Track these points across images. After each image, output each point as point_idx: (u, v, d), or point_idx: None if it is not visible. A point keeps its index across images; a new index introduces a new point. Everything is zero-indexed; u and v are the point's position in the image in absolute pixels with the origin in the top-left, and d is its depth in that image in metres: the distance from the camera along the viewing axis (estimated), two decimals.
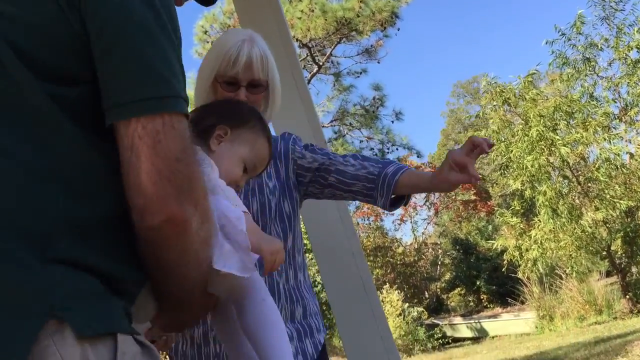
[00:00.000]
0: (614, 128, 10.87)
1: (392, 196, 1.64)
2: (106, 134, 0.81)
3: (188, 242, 0.85)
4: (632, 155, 10.84)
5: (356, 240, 2.48)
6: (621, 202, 9.93)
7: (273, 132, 1.79)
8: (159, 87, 0.81)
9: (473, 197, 18.17)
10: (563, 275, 11.61)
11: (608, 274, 12.36)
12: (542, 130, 10.18)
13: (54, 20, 0.80)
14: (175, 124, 0.81)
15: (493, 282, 15.30)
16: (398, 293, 13.95)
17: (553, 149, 10.29)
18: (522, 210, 12.07)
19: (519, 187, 10.86)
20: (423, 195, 19.02)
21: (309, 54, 15.90)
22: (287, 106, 2.44)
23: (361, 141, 16.92)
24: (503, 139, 11.09)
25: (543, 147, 10.34)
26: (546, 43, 11.93)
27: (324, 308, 13.02)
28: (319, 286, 13.47)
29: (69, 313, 0.72)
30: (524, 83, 11.00)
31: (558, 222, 10.33)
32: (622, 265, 11.28)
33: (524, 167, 10.46)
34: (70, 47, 0.81)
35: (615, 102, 11.53)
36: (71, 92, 0.80)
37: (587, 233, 10.29)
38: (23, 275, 0.72)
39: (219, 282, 1.07)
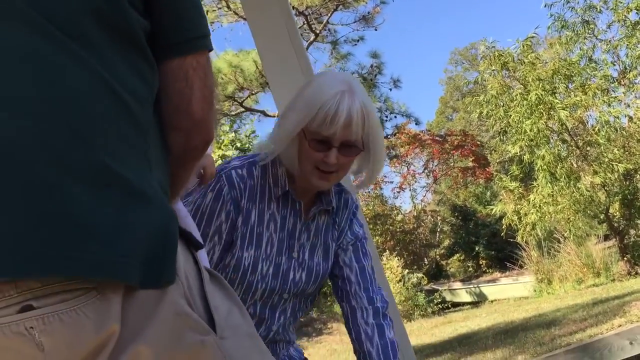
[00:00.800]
0: (613, 91, 10.83)
1: None
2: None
3: (198, 165, 1.02)
4: (631, 119, 10.82)
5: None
6: (619, 165, 9.95)
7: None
8: (204, 26, 0.93)
9: (471, 164, 18.17)
10: (561, 239, 11.69)
11: (606, 238, 12.45)
12: (541, 94, 10.15)
13: None
14: (210, 60, 0.94)
15: (492, 247, 15.43)
16: (398, 260, 14.07)
17: (552, 112, 10.27)
18: (520, 175, 12.10)
19: (518, 152, 10.87)
20: (422, 162, 19.03)
21: (305, 22, 15.74)
22: (287, 77, 2.44)
23: None
24: (502, 104, 11.06)
25: (542, 111, 10.32)
26: (545, 6, 11.83)
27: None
28: None
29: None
30: (523, 47, 10.92)
31: (556, 186, 10.37)
32: (620, 228, 11.36)
33: (523, 131, 10.45)
34: None
35: (614, 64, 11.47)
36: (146, 23, 0.87)
37: (585, 196, 10.33)
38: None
39: None
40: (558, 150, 10.67)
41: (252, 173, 1.53)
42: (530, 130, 10.30)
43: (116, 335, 0.70)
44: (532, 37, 11.27)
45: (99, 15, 0.80)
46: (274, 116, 14.60)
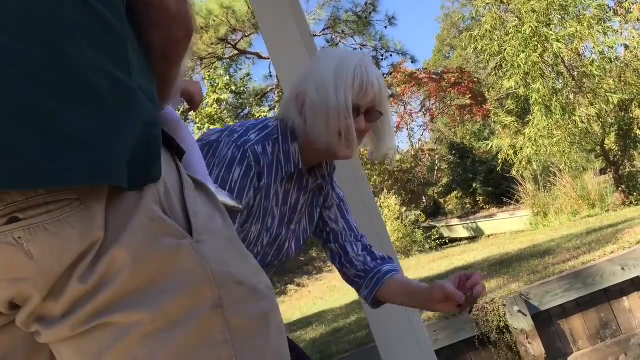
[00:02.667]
0: (608, 21, 10.65)
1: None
2: None
3: (185, 56, 1.00)
4: (627, 47, 10.70)
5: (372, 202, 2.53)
6: (614, 96, 9.91)
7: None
8: None
9: (469, 102, 18.09)
10: (557, 173, 11.76)
11: (602, 172, 12.53)
12: (535, 27, 10.01)
13: None
14: None
15: (489, 184, 15.54)
16: (396, 198, 14.21)
17: (546, 45, 10.15)
18: (516, 110, 12.07)
19: (513, 87, 10.81)
20: (418, 102, 18.92)
21: None
22: (277, 18, 2.40)
23: (354, 49, 16.67)
24: (497, 39, 10.91)
25: (536, 43, 10.20)
26: None
27: None
28: None
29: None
30: None
31: (552, 119, 10.36)
32: (616, 160, 11.41)
33: (517, 65, 10.37)
34: None
35: None
36: None
37: (580, 129, 10.34)
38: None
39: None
40: (553, 83, 10.61)
41: (267, 149, 1.54)
42: (525, 64, 10.21)
43: (100, 241, 0.73)
44: None
45: None
46: (269, 59, 14.39)
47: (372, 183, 16.08)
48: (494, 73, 12.58)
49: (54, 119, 0.70)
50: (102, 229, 0.73)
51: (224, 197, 1.35)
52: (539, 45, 10.22)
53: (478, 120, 18.47)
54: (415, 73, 17.97)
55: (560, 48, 9.93)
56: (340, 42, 16.82)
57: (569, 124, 10.33)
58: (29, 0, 0.74)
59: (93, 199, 0.73)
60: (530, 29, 10.01)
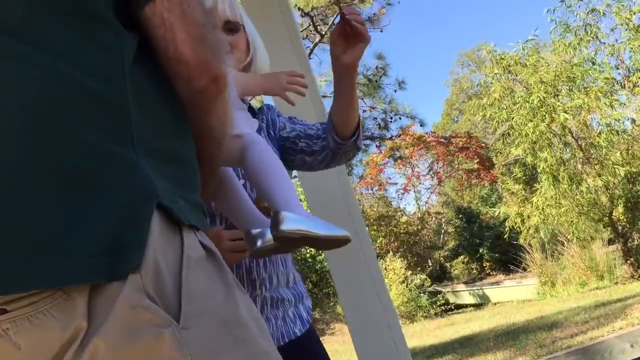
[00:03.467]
0: (615, 94, 10.81)
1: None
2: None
3: (225, 100, 0.93)
4: (633, 121, 10.80)
5: (355, 206, 2.50)
6: (621, 168, 9.94)
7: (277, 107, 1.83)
8: None
9: (476, 166, 18.17)
10: (565, 242, 11.68)
11: (610, 242, 12.43)
12: (543, 97, 10.16)
13: None
14: None
15: (496, 249, 15.41)
16: (401, 261, 14.09)
17: (554, 115, 10.28)
18: (524, 178, 12.11)
19: (521, 154, 10.88)
20: (426, 164, 19.02)
21: (311, 23, 15.76)
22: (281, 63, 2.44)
23: (364, 111, 16.90)
24: (505, 107, 11.07)
25: (544, 113, 10.33)
26: (547, 11, 11.82)
27: (328, 277, 13.17)
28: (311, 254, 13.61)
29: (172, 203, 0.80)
30: (523, 50, 10.95)
31: (559, 189, 10.36)
32: (624, 231, 11.33)
33: (525, 134, 10.47)
34: None
35: (618, 68, 11.45)
36: None
37: (587, 199, 10.33)
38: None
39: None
40: (560, 153, 10.67)
41: None
42: (533, 133, 10.31)
43: (84, 330, 0.73)
44: (532, 39, 11.32)
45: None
46: None
47: (377, 245, 15.98)
48: (501, 140, 12.69)
49: (18, 218, 0.70)
50: (85, 318, 0.72)
51: (332, 230, 1.25)
52: (546, 116, 10.34)
53: (485, 185, 18.49)
54: (424, 136, 18.14)
55: (567, 119, 10.04)
56: None
57: (577, 194, 10.32)
58: (7, 92, 0.73)
59: (75, 289, 0.72)
60: (538, 99, 10.16)
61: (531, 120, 10.38)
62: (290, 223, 1.19)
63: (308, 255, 14.19)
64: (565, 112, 10.07)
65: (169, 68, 0.86)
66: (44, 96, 0.74)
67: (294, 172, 2.01)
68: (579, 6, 11.39)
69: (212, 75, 0.87)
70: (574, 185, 10.31)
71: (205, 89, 0.88)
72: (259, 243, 1.30)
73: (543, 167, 10.42)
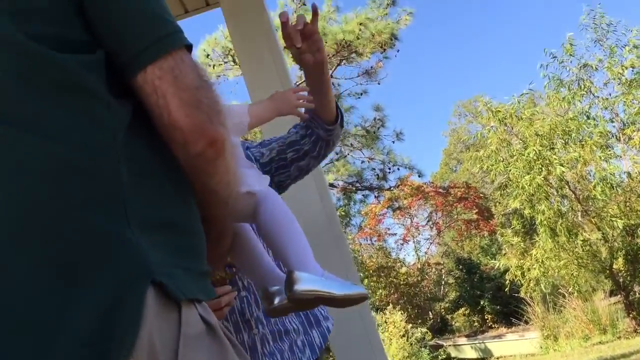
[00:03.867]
0: (611, 147, 10.89)
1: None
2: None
3: (227, 161, 0.91)
4: (629, 175, 10.86)
5: (348, 255, 2.49)
6: (619, 220, 9.93)
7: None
8: (159, 28, 0.85)
9: (475, 216, 18.14)
10: (566, 295, 11.56)
11: (612, 293, 12.30)
12: (539, 150, 10.24)
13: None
14: (183, 56, 0.85)
15: (497, 301, 15.21)
16: (401, 314, 13.89)
17: (551, 168, 10.34)
18: (522, 230, 12.07)
19: (518, 207, 10.88)
20: (425, 214, 18.99)
21: None
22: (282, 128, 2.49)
23: (362, 162, 17.01)
24: (502, 159, 11.14)
25: (540, 166, 10.39)
26: (540, 67, 12.03)
27: None
28: None
29: (167, 278, 0.77)
30: (518, 103, 11.12)
31: (558, 241, 10.32)
32: (625, 284, 11.22)
33: (522, 186, 10.50)
34: (75, 16, 0.83)
35: (613, 121, 11.58)
36: (91, 57, 0.82)
37: (587, 252, 10.27)
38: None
39: (235, 204, 1.15)
40: (557, 205, 10.68)
41: None
42: (529, 186, 10.34)
43: None
44: (526, 93, 11.52)
45: (21, 78, 0.77)
46: None
47: (377, 297, 15.79)
48: (499, 192, 12.73)
49: (4, 305, 0.68)
50: None
51: (348, 289, 1.22)
52: (543, 168, 10.40)
53: (485, 235, 18.42)
54: (422, 186, 18.18)
55: (563, 172, 10.09)
56: (348, 154, 17.19)
57: (575, 246, 10.28)
58: None
59: None
60: (534, 152, 10.24)
61: (528, 173, 10.43)
62: (305, 283, 1.16)
63: None
64: (562, 164, 10.13)
65: (164, 134, 0.85)
66: (33, 177, 0.73)
67: None
68: (571, 62, 11.61)
69: (209, 139, 0.85)
70: (572, 238, 10.27)
71: (203, 153, 0.86)
72: (276, 301, 1.27)
73: (541, 220, 10.40)
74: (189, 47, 0.88)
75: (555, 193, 10.86)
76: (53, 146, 0.75)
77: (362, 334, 2.40)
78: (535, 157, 10.31)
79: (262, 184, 1.27)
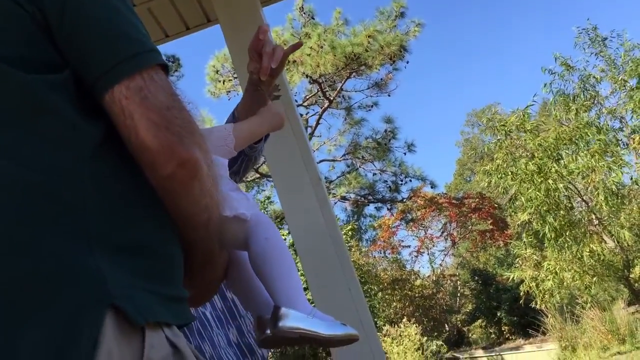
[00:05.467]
0: (619, 155, 10.77)
1: None
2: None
3: (203, 184, 0.88)
4: (636, 182, 10.73)
5: (349, 266, 2.47)
6: (626, 233, 9.81)
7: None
8: (128, 47, 0.83)
9: (490, 227, 17.98)
10: (583, 305, 11.41)
11: (630, 303, 12.12)
12: (543, 162, 10.18)
13: (17, 18, 0.81)
14: (154, 75, 0.83)
15: (514, 313, 15.04)
16: (416, 327, 13.76)
17: (558, 178, 10.25)
18: (535, 241, 11.94)
19: (527, 219, 10.79)
20: (439, 226, 18.87)
21: (319, 89, 16.08)
22: (282, 144, 2.49)
23: (374, 174, 16.99)
24: (509, 173, 11.07)
25: (547, 177, 10.31)
26: (545, 86, 11.96)
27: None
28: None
29: (126, 301, 0.73)
30: (523, 115, 11.07)
31: (569, 252, 10.20)
32: None
33: (529, 198, 10.42)
34: (40, 36, 0.82)
35: (622, 130, 11.48)
36: (58, 76, 0.80)
37: (599, 261, 10.14)
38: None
39: (226, 230, 1.13)
40: (564, 216, 10.56)
41: None
42: (536, 198, 10.25)
43: None
44: (531, 105, 11.47)
45: None
46: None
47: (391, 310, 15.67)
48: (509, 206, 12.64)
49: None
50: None
51: (336, 329, 1.19)
52: (550, 179, 10.31)
53: (500, 246, 18.24)
54: (435, 197, 18.08)
55: (568, 183, 10.02)
56: (360, 166, 17.17)
57: (587, 256, 10.15)
58: None
59: None
60: (540, 164, 10.18)
61: (535, 184, 10.35)
62: (290, 321, 1.13)
63: None
64: (569, 174, 10.04)
65: (134, 155, 0.82)
66: None
67: None
68: (573, 75, 11.57)
69: (180, 160, 0.82)
70: (582, 248, 10.15)
71: (174, 175, 0.83)
72: (268, 332, 1.22)
73: (546, 232, 10.33)
74: (164, 67, 0.86)
75: (567, 201, 10.75)
76: (14, 169, 0.74)
77: (362, 340, 2.36)
78: (541, 169, 10.23)
79: (252, 208, 1.25)
